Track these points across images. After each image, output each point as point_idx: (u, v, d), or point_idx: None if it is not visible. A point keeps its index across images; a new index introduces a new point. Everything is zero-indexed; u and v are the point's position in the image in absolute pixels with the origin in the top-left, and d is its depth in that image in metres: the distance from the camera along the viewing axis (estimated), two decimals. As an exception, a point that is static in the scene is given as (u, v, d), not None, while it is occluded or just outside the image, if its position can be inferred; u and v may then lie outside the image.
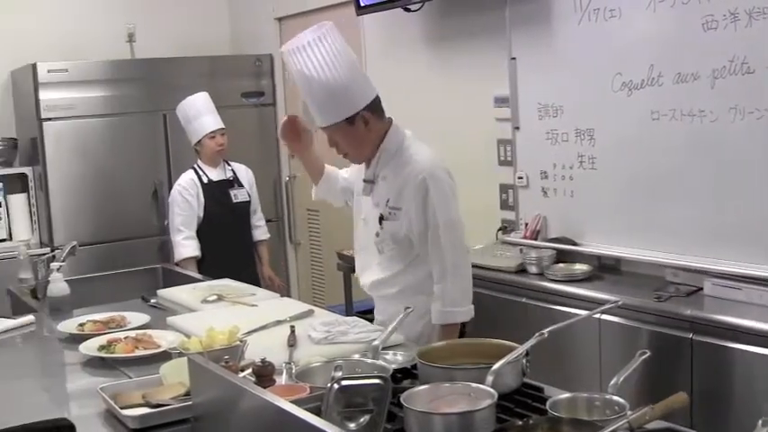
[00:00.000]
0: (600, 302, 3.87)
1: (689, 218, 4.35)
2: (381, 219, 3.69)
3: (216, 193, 5.94)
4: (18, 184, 7.25)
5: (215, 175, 5.98)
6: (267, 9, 7.85)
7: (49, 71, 6.82)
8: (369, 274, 3.87)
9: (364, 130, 3.62)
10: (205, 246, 5.89)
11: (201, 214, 5.89)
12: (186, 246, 5.84)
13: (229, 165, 6.11)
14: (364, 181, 3.80)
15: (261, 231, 6.21)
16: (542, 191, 5.18)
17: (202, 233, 5.91)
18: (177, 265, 5.81)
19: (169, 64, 7.41)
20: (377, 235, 3.72)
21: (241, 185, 6.05)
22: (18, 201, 7.14)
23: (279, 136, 4.03)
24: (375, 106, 3.67)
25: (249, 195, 6.07)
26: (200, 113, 5.94)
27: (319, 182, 4.13)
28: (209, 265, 5.70)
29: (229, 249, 5.86)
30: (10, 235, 7.05)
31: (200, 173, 5.95)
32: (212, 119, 5.94)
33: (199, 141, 5.95)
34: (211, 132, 5.92)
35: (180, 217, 5.86)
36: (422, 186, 3.58)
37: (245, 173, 6.16)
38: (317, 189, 4.17)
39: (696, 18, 4.18)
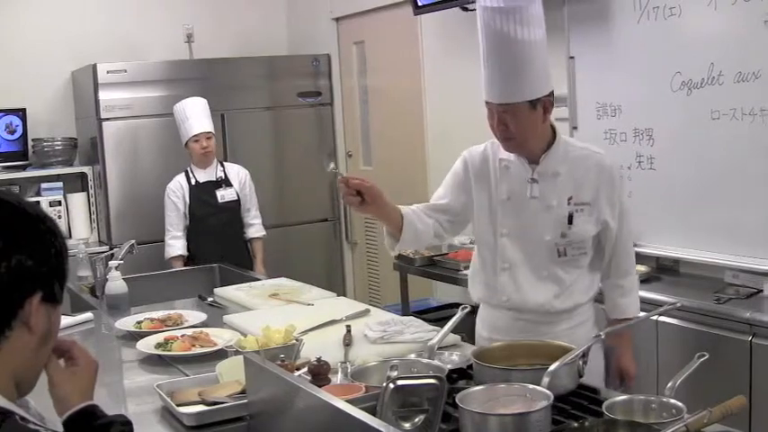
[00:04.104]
0: (658, 304, 3.85)
1: (749, 219, 4.30)
2: (571, 218, 3.30)
3: (202, 194, 6.07)
4: (78, 183, 7.34)
5: (203, 176, 6.10)
6: (325, 9, 7.87)
7: (108, 72, 6.88)
8: (542, 291, 3.35)
9: (542, 117, 3.25)
10: (195, 245, 6.07)
11: (188, 214, 6.06)
12: (171, 245, 6.06)
13: (222, 165, 6.21)
14: (531, 181, 3.32)
15: (254, 229, 6.26)
16: (600, 191, 5.14)
17: (191, 233, 6.09)
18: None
19: (227, 64, 7.45)
20: (562, 236, 3.30)
21: (229, 185, 6.12)
22: (77, 200, 7.22)
23: (345, 203, 3.45)
24: (553, 97, 3.31)
25: (238, 195, 6.12)
26: (187, 117, 6.07)
27: (403, 231, 3.39)
28: (200, 264, 5.80)
29: (219, 248, 5.93)
30: (69, 233, 7.12)
31: (190, 174, 6.11)
32: (197, 123, 6.05)
33: (186, 145, 6.07)
34: (195, 136, 6.02)
35: (167, 217, 6.09)
36: (617, 178, 3.39)
37: (236, 173, 6.24)
38: (402, 241, 3.44)
39: (757, 15, 4.12)
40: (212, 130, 6.09)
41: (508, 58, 3.16)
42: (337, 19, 7.82)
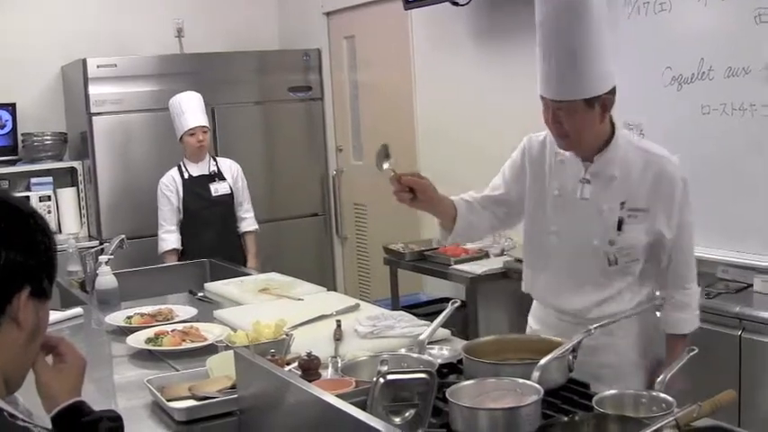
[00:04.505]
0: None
1: (739, 213, 4.31)
2: (620, 224, 3.10)
3: (196, 187, 6.05)
4: (68, 177, 7.33)
5: (196, 170, 6.08)
6: (316, 4, 7.85)
7: (98, 66, 6.86)
8: (582, 296, 3.20)
9: (599, 116, 3.03)
10: (188, 238, 6.04)
11: (182, 208, 6.04)
12: (165, 239, 6.01)
13: (215, 160, 6.21)
14: (584, 181, 3.14)
15: (247, 223, 6.26)
16: (590, 186, 5.14)
17: (185, 226, 6.06)
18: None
19: (217, 59, 7.45)
20: (611, 243, 3.10)
21: (223, 179, 6.13)
22: (67, 194, 7.20)
23: (397, 200, 3.21)
24: (614, 94, 3.07)
25: (231, 189, 6.13)
26: (183, 111, 6.05)
27: (456, 225, 3.31)
28: (193, 257, 5.80)
29: (212, 241, 5.95)
30: (59, 228, 7.11)
31: (183, 169, 6.08)
32: (193, 117, 6.04)
33: (181, 138, 6.07)
34: (191, 129, 6.00)
35: (161, 212, 6.05)
36: (679, 186, 3.11)
37: (228, 167, 6.23)
38: (454, 234, 3.35)
39: (748, 11, 4.13)
40: (208, 124, 6.09)
41: (565, 53, 2.97)
42: (328, 14, 7.81)
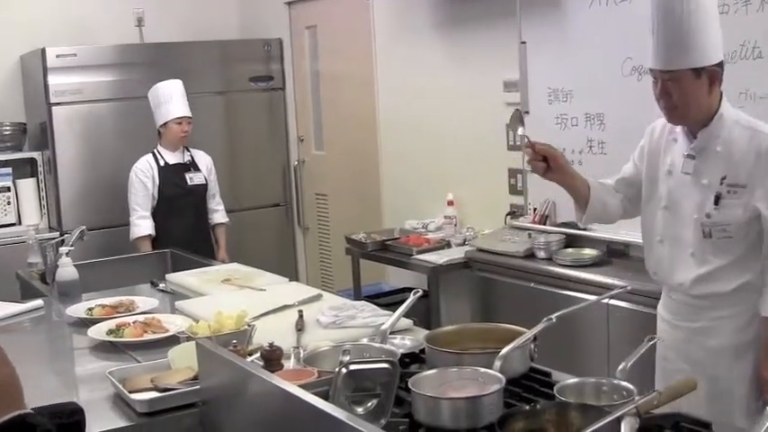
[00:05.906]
0: (608, 287, 3.88)
1: (698, 203, 4.33)
2: (718, 198, 3.15)
3: (172, 175, 6.05)
4: (27, 168, 7.25)
5: (172, 158, 6.08)
6: (277, -7, 7.84)
7: (57, 56, 6.81)
8: (684, 270, 3.29)
9: (707, 88, 3.12)
10: (160, 226, 6.02)
11: (157, 195, 6.01)
12: (139, 225, 5.98)
13: (188, 150, 6.20)
14: (687, 156, 3.24)
15: (219, 215, 6.31)
16: (551, 176, 5.16)
17: (158, 214, 6.04)
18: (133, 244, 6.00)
19: (178, 48, 7.40)
20: (707, 216, 3.17)
21: (198, 170, 6.14)
22: (27, 185, 7.13)
23: (532, 168, 3.37)
24: (722, 68, 3.17)
25: (206, 180, 6.14)
26: (172, 98, 6.04)
27: (590, 203, 3.46)
28: (164, 246, 5.79)
29: (184, 230, 5.97)
30: (19, 219, 7.04)
31: (158, 156, 6.06)
32: (183, 105, 6.05)
33: (165, 124, 6.03)
34: (179, 118, 6.01)
35: (134, 197, 6.01)
36: None
37: (202, 158, 6.26)
38: (589, 212, 3.50)
39: (708, 2, 4.16)
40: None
41: (674, 24, 3.09)
42: (289, 3, 7.78)
